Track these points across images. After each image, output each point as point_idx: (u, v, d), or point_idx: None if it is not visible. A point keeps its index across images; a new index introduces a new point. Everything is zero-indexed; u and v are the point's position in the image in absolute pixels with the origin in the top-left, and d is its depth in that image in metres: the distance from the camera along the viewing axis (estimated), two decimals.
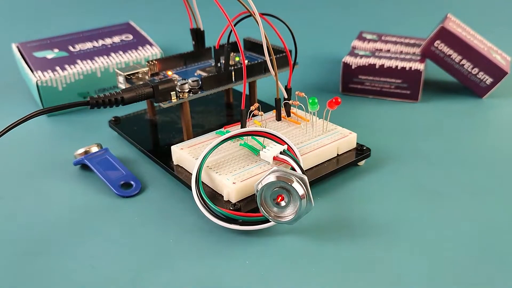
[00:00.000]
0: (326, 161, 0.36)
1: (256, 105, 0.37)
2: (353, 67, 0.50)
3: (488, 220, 0.32)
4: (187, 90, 0.37)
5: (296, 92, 0.39)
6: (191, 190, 0.33)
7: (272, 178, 0.28)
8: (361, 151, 0.37)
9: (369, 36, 0.57)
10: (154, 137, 0.42)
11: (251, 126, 0.38)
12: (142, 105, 0.46)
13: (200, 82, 0.38)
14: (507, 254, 0.28)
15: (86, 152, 0.38)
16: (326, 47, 0.67)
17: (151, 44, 0.54)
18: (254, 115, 0.38)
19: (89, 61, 0.49)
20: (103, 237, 0.31)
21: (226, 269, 0.28)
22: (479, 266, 0.28)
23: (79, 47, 0.52)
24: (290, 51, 0.40)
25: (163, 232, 0.31)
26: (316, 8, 0.87)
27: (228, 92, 0.47)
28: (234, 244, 0.30)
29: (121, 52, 0.51)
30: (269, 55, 0.36)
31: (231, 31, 0.35)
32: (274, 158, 0.33)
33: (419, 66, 0.48)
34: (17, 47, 0.52)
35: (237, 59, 0.42)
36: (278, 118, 0.40)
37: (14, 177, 0.38)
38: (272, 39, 0.38)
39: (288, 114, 0.40)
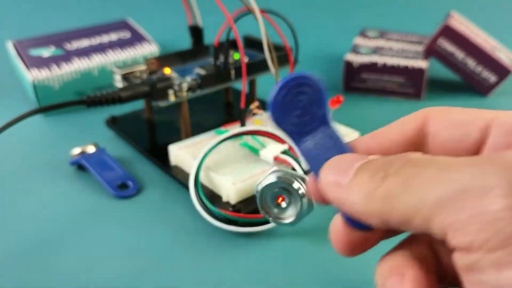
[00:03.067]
0: None
1: (256, 103, 0.36)
2: (355, 65, 0.49)
3: None
4: (185, 89, 0.36)
5: None
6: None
7: (272, 178, 0.28)
8: None
9: (371, 34, 0.56)
10: (151, 136, 0.41)
11: (251, 125, 0.37)
12: (139, 104, 0.46)
13: (199, 80, 0.37)
14: None
15: (82, 152, 0.37)
16: (327, 44, 0.66)
17: (149, 42, 0.53)
18: (254, 114, 0.37)
19: (86, 58, 0.49)
20: (100, 238, 0.30)
21: (226, 271, 0.27)
22: None
23: (75, 44, 0.51)
24: (291, 49, 0.39)
25: (161, 233, 0.30)
26: (317, 5, 0.87)
27: (228, 90, 0.46)
28: (234, 245, 0.29)
29: (118, 50, 0.51)
30: (269, 52, 0.35)
31: (231, 28, 0.34)
32: (275, 158, 0.32)
33: (423, 64, 0.47)
34: (13, 44, 0.51)
35: (236, 57, 0.41)
36: None
37: (9, 177, 0.37)
38: (272, 36, 0.38)
39: None
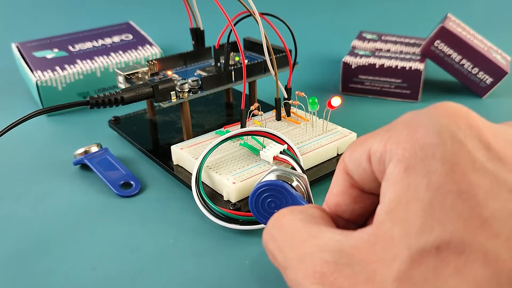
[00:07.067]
0: (326, 161, 0.36)
1: (256, 105, 0.37)
2: (353, 66, 0.50)
3: None
4: (187, 90, 0.37)
5: (296, 92, 0.39)
6: (191, 190, 0.33)
7: (271, 177, 0.28)
8: None
9: (369, 36, 0.57)
10: (154, 137, 0.42)
11: (251, 126, 0.38)
12: (142, 105, 0.46)
13: (200, 82, 0.38)
14: None
15: (86, 152, 0.38)
16: (326, 46, 0.67)
17: (151, 44, 0.54)
18: (254, 115, 0.38)
19: (88, 61, 0.49)
20: (103, 237, 0.31)
21: (226, 269, 0.28)
22: None
23: (78, 47, 0.52)
24: (290, 51, 0.40)
25: (163, 232, 0.31)
26: (316, 8, 0.87)
27: (228, 92, 0.47)
28: (234, 244, 0.30)
29: (120, 52, 0.51)
30: (269, 54, 0.36)
31: (231, 30, 0.35)
32: (274, 158, 0.33)
33: (419, 65, 0.48)
34: (17, 46, 0.52)
35: (237, 58, 0.42)
36: (278, 118, 0.40)
37: (13, 177, 0.38)
38: (272, 38, 0.38)
39: (288, 114, 0.40)
